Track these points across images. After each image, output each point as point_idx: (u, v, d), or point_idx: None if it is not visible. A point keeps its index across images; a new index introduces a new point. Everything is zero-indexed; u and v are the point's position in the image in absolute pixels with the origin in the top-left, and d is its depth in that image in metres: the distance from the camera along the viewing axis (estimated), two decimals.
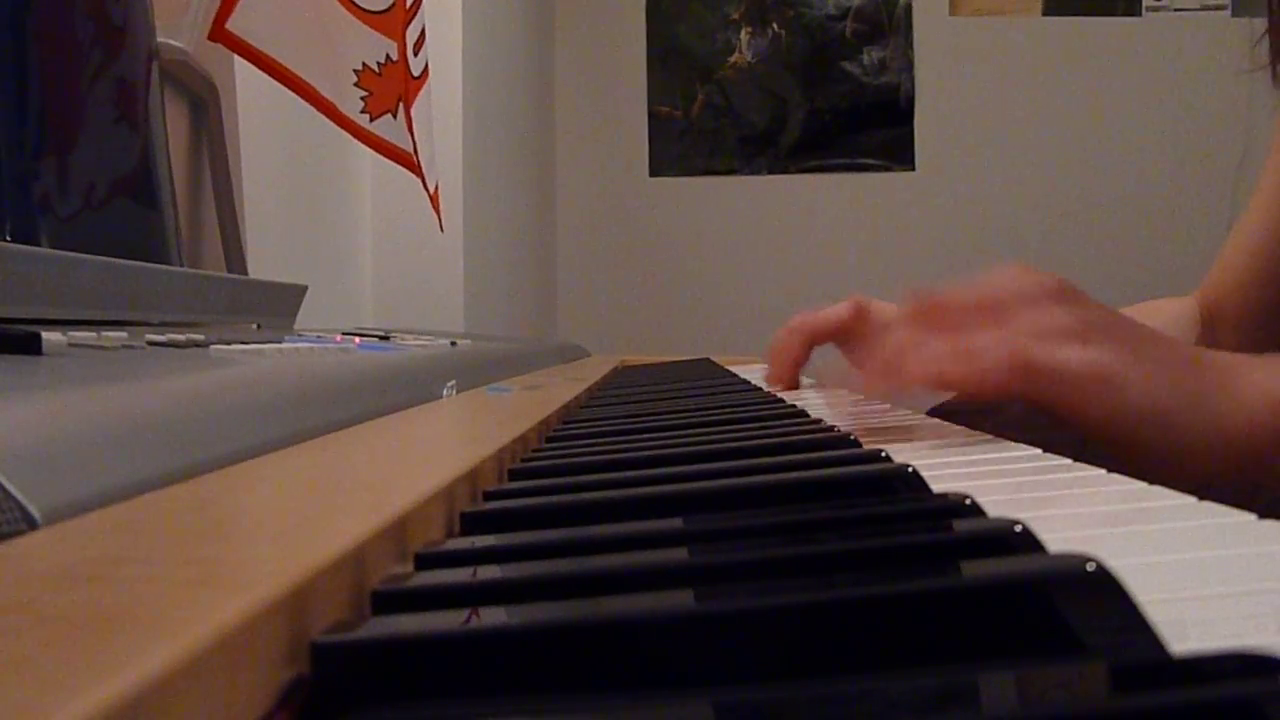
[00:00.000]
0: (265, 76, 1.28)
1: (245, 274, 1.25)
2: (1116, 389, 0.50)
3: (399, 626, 0.22)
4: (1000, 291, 0.53)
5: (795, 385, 0.89)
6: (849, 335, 0.90)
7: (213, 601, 0.17)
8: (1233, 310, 1.00)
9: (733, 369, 1.19)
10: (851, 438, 0.47)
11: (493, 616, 0.23)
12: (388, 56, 1.35)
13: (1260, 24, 0.89)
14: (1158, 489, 0.33)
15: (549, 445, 0.53)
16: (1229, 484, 0.48)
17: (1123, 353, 0.51)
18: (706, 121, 3.43)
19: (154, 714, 0.14)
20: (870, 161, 3.42)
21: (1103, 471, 0.37)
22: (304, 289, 1.16)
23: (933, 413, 0.68)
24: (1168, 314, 1.02)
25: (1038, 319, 0.51)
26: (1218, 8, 3.31)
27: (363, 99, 1.35)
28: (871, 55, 3.42)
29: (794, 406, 0.64)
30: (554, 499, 0.37)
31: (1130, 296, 1.09)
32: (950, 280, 0.57)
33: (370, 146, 1.40)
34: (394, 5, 1.35)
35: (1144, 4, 3.38)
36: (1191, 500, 0.31)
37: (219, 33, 1.19)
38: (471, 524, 0.32)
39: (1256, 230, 0.98)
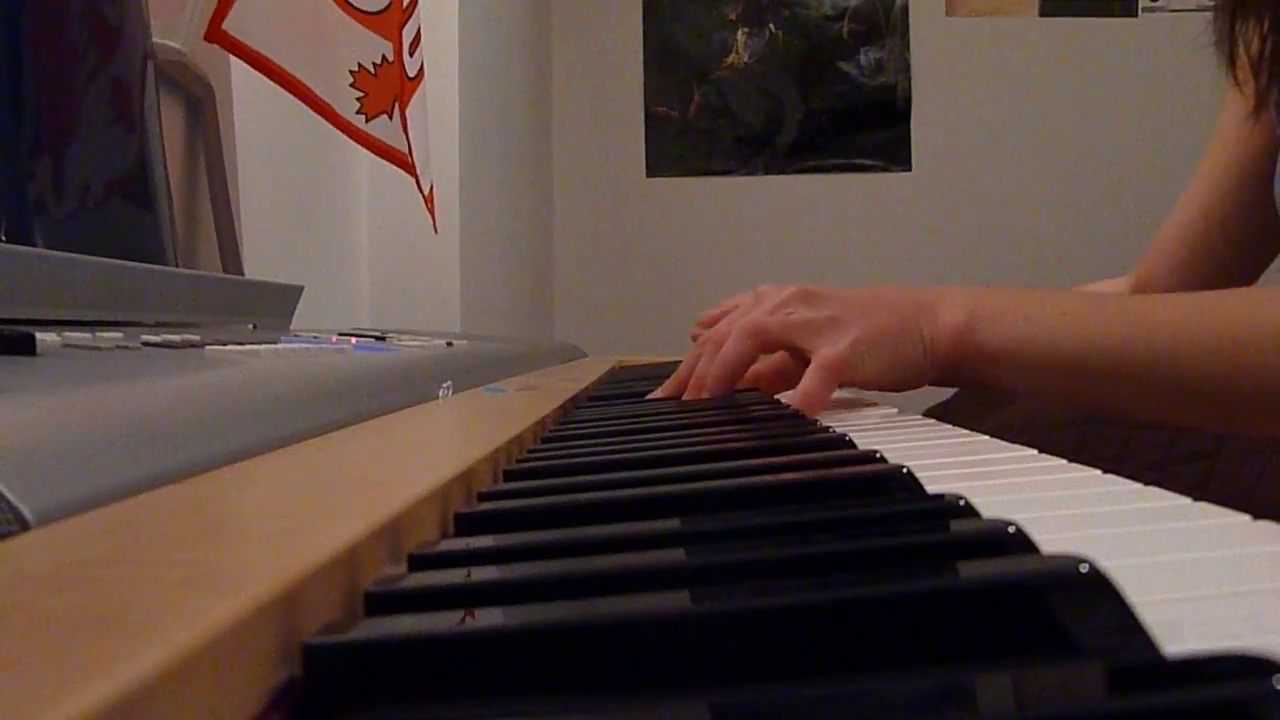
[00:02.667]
0: (261, 77, 1.28)
1: (241, 274, 1.24)
2: (843, 327, 0.69)
3: (392, 628, 0.21)
4: (751, 300, 0.75)
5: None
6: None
7: (204, 603, 0.17)
8: (1165, 290, 1.02)
9: None
10: (846, 438, 0.47)
11: (486, 618, 0.23)
12: (383, 57, 1.35)
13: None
14: (1152, 490, 0.33)
15: (544, 446, 0.53)
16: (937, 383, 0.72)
17: (845, 306, 0.70)
18: (703, 122, 3.43)
19: (144, 715, 0.14)
20: (867, 162, 3.42)
21: (1097, 473, 0.37)
22: (300, 289, 1.16)
23: (930, 413, 0.70)
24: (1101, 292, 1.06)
25: (773, 305, 0.72)
26: (1214, 8, 3.31)
27: (358, 100, 1.35)
28: (868, 56, 3.42)
29: (789, 407, 0.64)
30: (549, 500, 0.37)
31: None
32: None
33: (366, 147, 1.40)
34: (390, 6, 1.35)
35: (1140, 4, 3.38)
36: (1186, 501, 0.31)
37: (215, 33, 1.19)
38: (466, 525, 0.32)
39: (1190, 214, 1.01)
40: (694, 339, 0.82)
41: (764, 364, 0.80)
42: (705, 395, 0.73)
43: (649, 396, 0.82)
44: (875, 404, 0.73)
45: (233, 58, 1.27)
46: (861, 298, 0.72)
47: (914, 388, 0.72)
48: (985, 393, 0.80)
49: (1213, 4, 0.92)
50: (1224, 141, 1.00)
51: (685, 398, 0.75)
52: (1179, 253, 1.04)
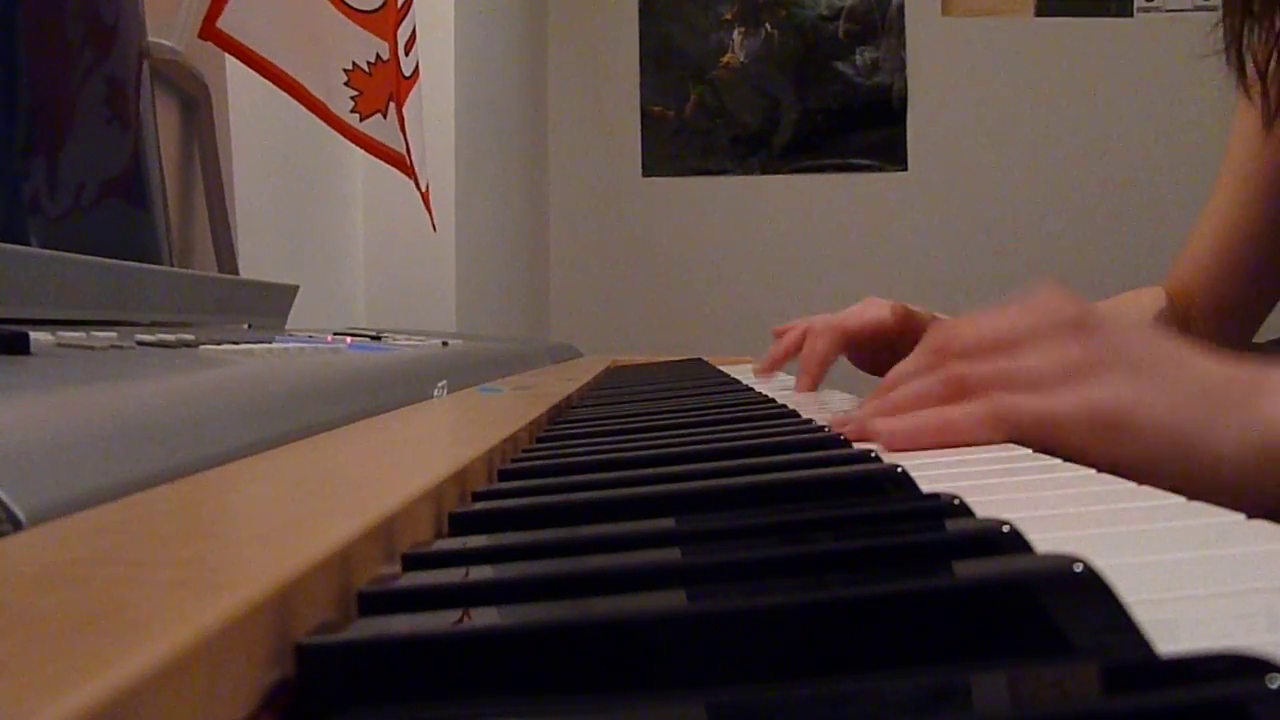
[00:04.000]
0: (256, 76, 1.27)
1: (236, 274, 1.24)
2: (1122, 426, 0.46)
3: (385, 628, 0.21)
4: (1013, 329, 0.51)
5: (816, 387, 0.90)
6: (879, 341, 0.90)
7: (196, 603, 0.17)
8: (1203, 303, 1.01)
9: (724, 369, 1.19)
10: (841, 438, 0.47)
11: (481, 618, 0.23)
12: (378, 56, 1.35)
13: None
14: (1146, 489, 0.33)
15: (539, 445, 0.53)
16: (1268, 497, 0.45)
17: (1132, 386, 0.47)
18: (699, 121, 3.43)
19: (137, 715, 0.14)
20: (863, 162, 3.42)
21: (1092, 471, 0.37)
22: (295, 289, 1.15)
23: None
24: (1146, 306, 1.03)
25: (1039, 362, 0.49)
26: (1210, 8, 3.32)
27: (353, 98, 1.34)
28: (864, 55, 3.42)
29: (785, 407, 0.64)
30: (544, 499, 0.37)
31: (1121, 293, 1.10)
32: (981, 300, 0.54)
33: (360, 146, 1.40)
34: (385, 5, 1.35)
35: (1136, 4, 3.38)
36: (1180, 500, 0.31)
37: (210, 31, 1.19)
38: (460, 525, 0.32)
39: (1222, 224, 0.99)
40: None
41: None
42: (896, 446, 0.48)
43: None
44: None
45: (228, 56, 1.27)
46: (1150, 352, 0.49)
47: (1199, 495, 0.43)
48: None
49: (1211, 9, 0.91)
50: (1242, 152, 0.98)
51: (872, 431, 0.49)
52: (1213, 267, 1.01)
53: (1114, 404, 0.46)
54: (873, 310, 0.92)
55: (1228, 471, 0.46)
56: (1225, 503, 0.35)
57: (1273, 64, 0.88)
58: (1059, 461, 0.40)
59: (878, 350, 0.91)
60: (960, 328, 0.52)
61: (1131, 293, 1.08)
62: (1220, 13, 0.91)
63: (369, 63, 1.34)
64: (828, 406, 0.72)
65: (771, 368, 1.01)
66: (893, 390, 0.52)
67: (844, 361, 0.94)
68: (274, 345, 0.69)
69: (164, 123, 1.05)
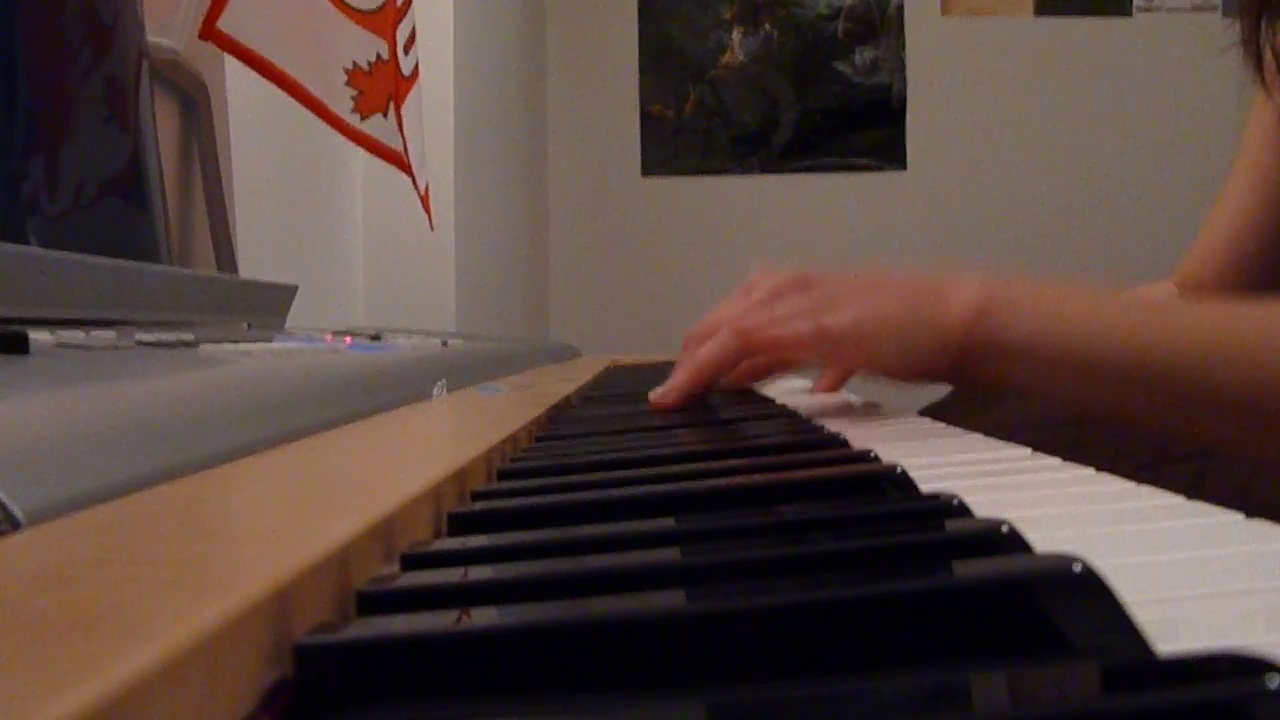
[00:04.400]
0: (256, 75, 1.27)
1: (235, 273, 1.24)
2: (842, 306, 0.63)
3: (384, 628, 0.21)
4: (742, 292, 0.68)
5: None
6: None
7: (195, 603, 0.17)
8: (1218, 294, 1.00)
9: None
10: (840, 437, 0.47)
11: (480, 618, 0.23)
12: (378, 56, 1.35)
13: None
14: (1146, 489, 0.33)
15: (539, 445, 0.53)
16: (956, 383, 0.63)
17: (845, 287, 0.64)
18: (699, 121, 3.43)
19: (135, 716, 0.14)
20: (862, 161, 3.42)
21: (1091, 471, 0.37)
22: (294, 289, 1.15)
23: (924, 412, 0.69)
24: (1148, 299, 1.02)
25: (762, 297, 0.65)
26: (1208, 8, 3.32)
27: (353, 98, 1.34)
28: (863, 55, 3.42)
29: (784, 406, 0.64)
30: (543, 499, 0.37)
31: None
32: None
33: (360, 145, 1.40)
34: (384, 4, 1.35)
35: (1135, 4, 3.38)
36: (1179, 500, 0.31)
37: (209, 31, 1.19)
38: (459, 524, 0.32)
39: (1235, 215, 0.98)
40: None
41: (748, 365, 0.74)
42: (670, 402, 0.67)
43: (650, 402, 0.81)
44: (870, 403, 0.73)
45: (227, 56, 1.26)
46: (864, 280, 0.66)
47: (926, 380, 0.66)
48: (994, 390, 0.72)
49: (1210, 9, 0.90)
50: (1257, 144, 0.97)
51: (653, 404, 0.68)
52: (1224, 256, 1.01)
53: (842, 323, 0.62)
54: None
55: (940, 344, 0.62)
56: (943, 375, 0.64)
57: None
58: (1058, 461, 0.40)
59: None
60: (696, 327, 0.70)
61: (1142, 289, 1.08)
62: (1237, 6, 0.90)
63: (369, 62, 1.34)
64: (824, 406, 0.72)
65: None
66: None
67: None
68: (273, 345, 0.69)
69: (163, 122, 1.05)
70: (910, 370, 0.64)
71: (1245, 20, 0.89)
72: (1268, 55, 0.88)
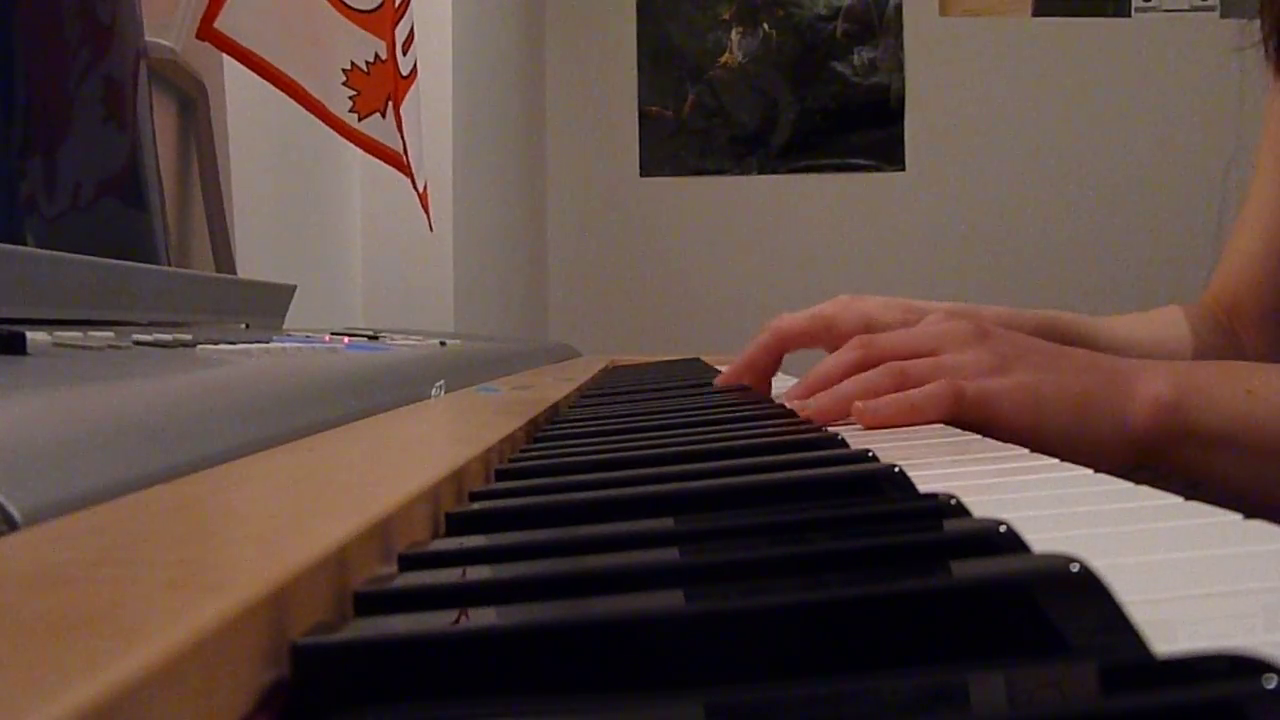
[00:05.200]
0: (254, 75, 1.27)
1: (233, 274, 1.24)
2: (1035, 402, 0.59)
3: (382, 628, 0.21)
4: (929, 338, 0.63)
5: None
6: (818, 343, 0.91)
7: (193, 603, 0.17)
8: (1251, 309, 0.97)
9: (722, 369, 1.19)
10: (839, 437, 0.47)
11: (478, 618, 0.23)
12: (376, 55, 1.34)
13: (1248, 23, 0.89)
14: (1144, 489, 0.33)
15: (537, 445, 0.53)
16: (1143, 471, 0.58)
17: (1036, 372, 0.60)
18: (697, 121, 3.43)
19: (132, 716, 0.14)
20: (861, 161, 3.42)
21: (1089, 471, 0.37)
22: (293, 289, 1.15)
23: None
24: (1158, 324, 0.99)
25: (962, 359, 0.60)
26: (1207, 8, 3.32)
27: (351, 98, 1.34)
28: (862, 55, 3.42)
29: (782, 407, 0.64)
30: (541, 499, 0.36)
31: (1120, 294, 1.10)
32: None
33: (359, 146, 1.40)
34: (382, 4, 1.35)
35: (1133, 4, 3.39)
36: (1177, 500, 0.31)
37: (207, 31, 1.19)
38: (457, 525, 0.32)
39: (1268, 226, 0.96)
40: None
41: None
42: (868, 423, 0.58)
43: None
44: None
45: (225, 56, 1.26)
46: (1045, 350, 0.62)
47: (1098, 468, 0.59)
48: (1191, 485, 0.63)
49: (1208, 9, 0.89)
50: (1279, 158, 0.95)
51: (822, 409, 0.60)
52: (1262, 269, 0.97)
53: (1029, 383, 0.59)
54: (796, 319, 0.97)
55: (1119, 431, 0.59)
56: (1121, 461, 0.59)
57: None
58: (1055, 461, 0.40)
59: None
60: (877, 339, 0.65)
61: (1170, 306, 1.04)
62: (1254, 7, 0.88)
63: (367, 62, 1.34)
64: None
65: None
66: (828, 380, 0.62)
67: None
68: (271, 345, 0.69)
69: (161, 123, 1.05)
70: (1076, 449, 0.57)
71: (1266, 19, 0.87)
72: None
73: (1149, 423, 0.59)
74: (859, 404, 0.57)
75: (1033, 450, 0.51)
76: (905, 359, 0.61)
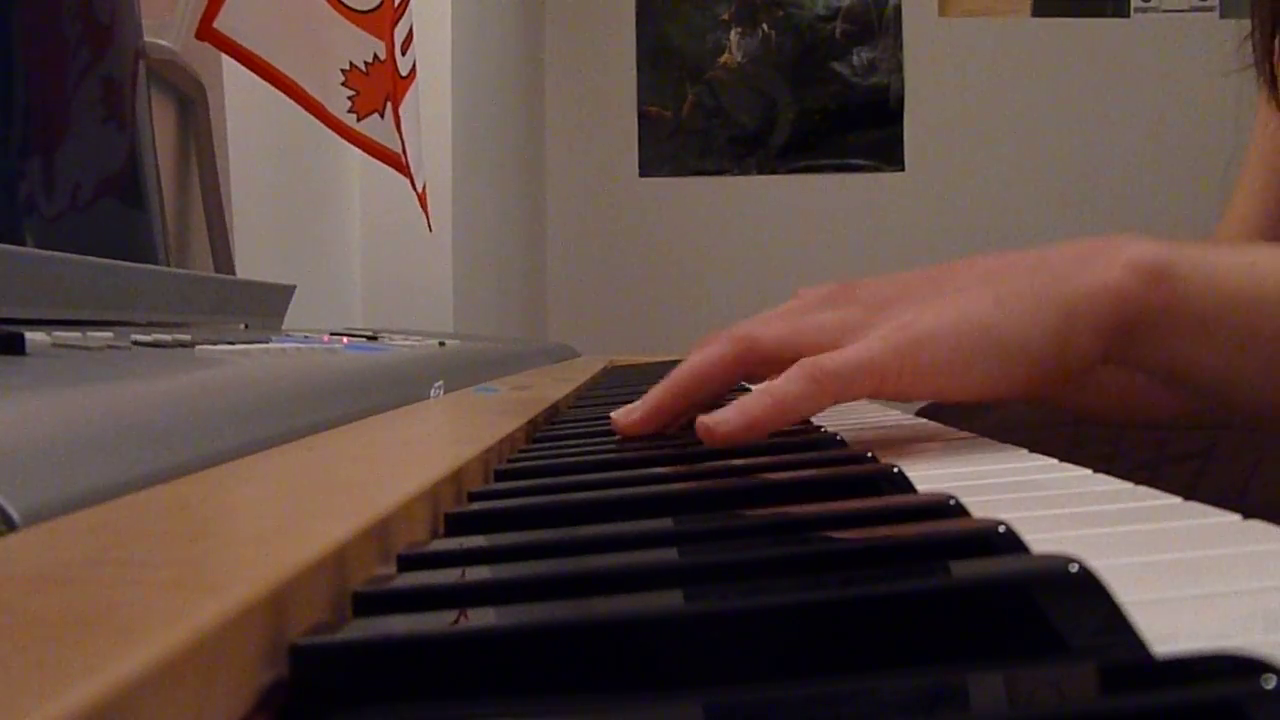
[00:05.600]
0: (253, 76, 1.27)
1: (233, 274, 1.24)
2: (924, 339, 0.46)
3: (381, 628, 0.21)
4: (791, 307, 0.53)
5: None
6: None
7: (191, 603, 0.17)
8: None
9: None
10: (838, 438, 0.47)
11: (477, 618, 0.23)
12: (375, 56, 1.34)
13: (1249, 24, 0.89)
14: (1143, 489, 0.33)
15: (536, 445, 0.53)
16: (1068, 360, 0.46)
17: (914, 308, 0.48)
18: (696, 121, 3.43)
19: (130, 716, 0.14)
20: (860, 162, 3.42)
21: (1088, 472, 0.37)
22: (292, 289, 1.15)
23: (922, 413, 0.69)
24: None
25: (820, 324, 0.50)
26: (1206, 9, 3.32)
27: (350, 98, 1.34)
28: (861, 56, 3.42)
29: None
30: (540, 499, 0.36)
31: None
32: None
33: (357, 146, 1.40)
34: (381, 4, 1.35)
35: (1133, 5, 3.39)
36: (1177, 500, 0.31)
37: (206, 31, 1.19)
38: (456, 525, 0.32)
39: (1248, 221, 0.97)
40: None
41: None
42: (634, 425, 0.51)
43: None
44: (868, 403, 0.73)
45: (224, 56, 1.26)
46: (940, 275, 0.51)
47: (1029, 393, 0.48)
48: (1160, 373, 0.50)
49: (1207, 10, 0.88)
50: (1269, 149, 0.96)
51: (620, 430, 0.52)
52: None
53: (911, 324, 0.47)
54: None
55: (1076, 325, 0.46)
56: (1082, 364, 0.47)
57: None
58: (1054, 461, 0.40)
59: None
60: (750, 326, 0.53)
61: None
62: (1250, 25, 0.89)
63: (366, 63, 1.34)
64: None
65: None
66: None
67: None
68: (270, 345, 0.69)
69: (160, 123, 1.05)
70: (1010, 378, 0.47)
71: (1257, 41, 0.88)
72: None
73: (1121, 298, 0.46)
74: (701, 421, 0.46)
75: (959, 397, 0.46)
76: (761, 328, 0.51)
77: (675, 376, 0.52)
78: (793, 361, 0.47)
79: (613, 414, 0.52)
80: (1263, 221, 0.95)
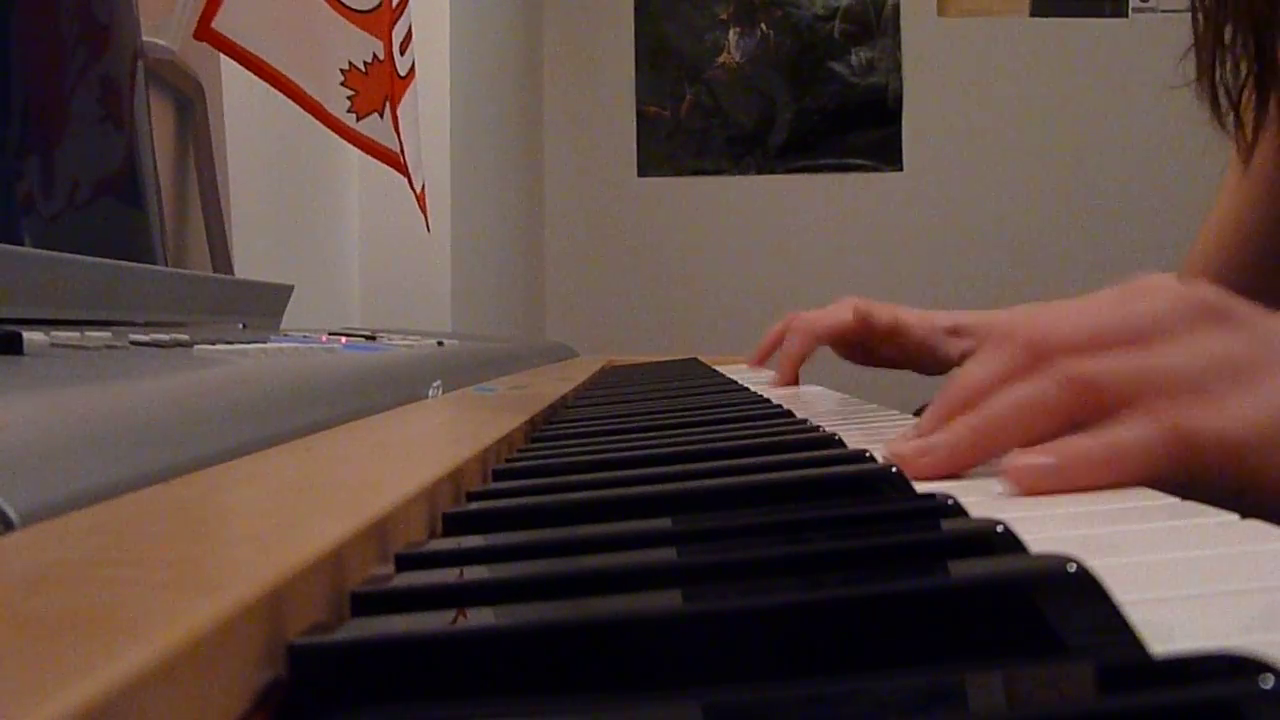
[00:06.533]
0: (251, 76, 1.27)
1: (231, 274, 1.24)
2: (1257, 381, 0.36)
3: (378, 628, 0.21)
4: (1134, 317, 0.39)
5: (796, 382, 0.98)
6: (850, 340, 0.98)
7: (189, 603, 0.17)
8: None
9: (720, 369, 1.19)
10: (836, 437, 0.47)
11: (475, 618, 0.23)
12: (374, 56, 1.34)
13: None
14: (1141, 489, 0.33)
15: (534, 445, 0.53)
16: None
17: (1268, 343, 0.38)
18: (695, 121, 3.43)
19: (128, 716, 0.14)
20: (858, 162, 3.42)
21: None
22: (290, 289, 1.15)
23: (919, 413, 0.68)
24: None
25: (1189, 360, 0.37)
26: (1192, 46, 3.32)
27: (349, 98, 1.34)
28: (859, 55, 3.42)
29: (780, 406, 0.64)
30: (538, 499, 0.36)
31: None
32: (1061, 295, 0.43)
33: (356, 146, 1.40)
34: (380, 4, 1.35)
35: (1131, 4, 3.39)
36: (1174, 500, 0.31)
37: (205, 31, 1.19)
38: (454, 524, 0.32)
39: (1226, 226, 0.98)
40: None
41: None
42: (933, 460, 0.38)
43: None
44: (866, 403, 0.73)
45: (223, 56, 1.26)
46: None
47: None
48: None
49: (1194, 35, 0.88)
50: (1240, 169, 0.96)
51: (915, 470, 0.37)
52: (1221, 266, 0.98)
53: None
54: (837, 313, 1.01)
55: None
56: None
57: (1246, 96, 0.86)
58: None
59: (851, 347, 1.02)
60: (1052, 319, 0.40)
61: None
62: (1191, 43, 0.89)
63: (365, 63, 1.34)
64: (820, 406, 0.72)
65: (760, 360, 1.12)
66: (975, 397, 0.39)
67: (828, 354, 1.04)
68: (268, 345, 0.69)
69: (159, 123, 1.05)
70: None
71: (1200, 59, 0.88)
72: (1221, 95, 0.87)
73: None
74: (1016, 460, 0.34)
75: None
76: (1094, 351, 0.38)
77: (993, 418, 0.38)
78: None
79: (895, 445, 0.39)
80: (1237, 235, 0.96)
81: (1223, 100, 0.85)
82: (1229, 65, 0.84)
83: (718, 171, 3.43)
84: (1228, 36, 0.85)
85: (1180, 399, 0.35)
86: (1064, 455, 0.34)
